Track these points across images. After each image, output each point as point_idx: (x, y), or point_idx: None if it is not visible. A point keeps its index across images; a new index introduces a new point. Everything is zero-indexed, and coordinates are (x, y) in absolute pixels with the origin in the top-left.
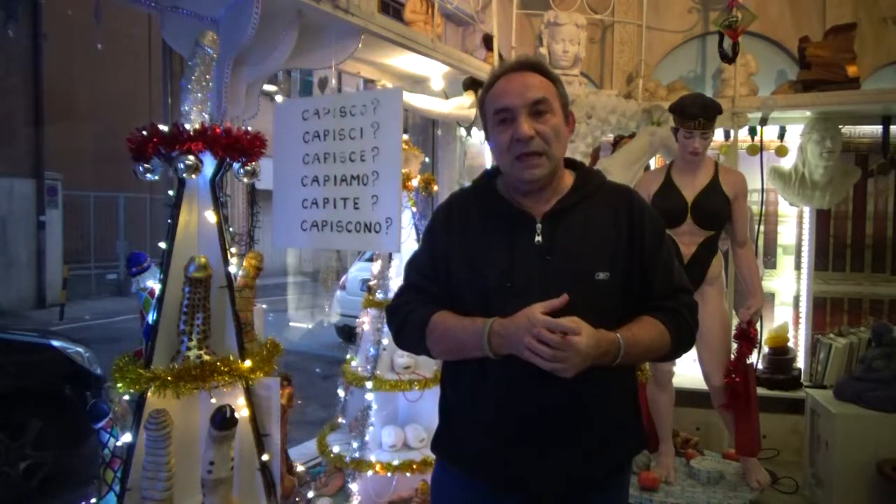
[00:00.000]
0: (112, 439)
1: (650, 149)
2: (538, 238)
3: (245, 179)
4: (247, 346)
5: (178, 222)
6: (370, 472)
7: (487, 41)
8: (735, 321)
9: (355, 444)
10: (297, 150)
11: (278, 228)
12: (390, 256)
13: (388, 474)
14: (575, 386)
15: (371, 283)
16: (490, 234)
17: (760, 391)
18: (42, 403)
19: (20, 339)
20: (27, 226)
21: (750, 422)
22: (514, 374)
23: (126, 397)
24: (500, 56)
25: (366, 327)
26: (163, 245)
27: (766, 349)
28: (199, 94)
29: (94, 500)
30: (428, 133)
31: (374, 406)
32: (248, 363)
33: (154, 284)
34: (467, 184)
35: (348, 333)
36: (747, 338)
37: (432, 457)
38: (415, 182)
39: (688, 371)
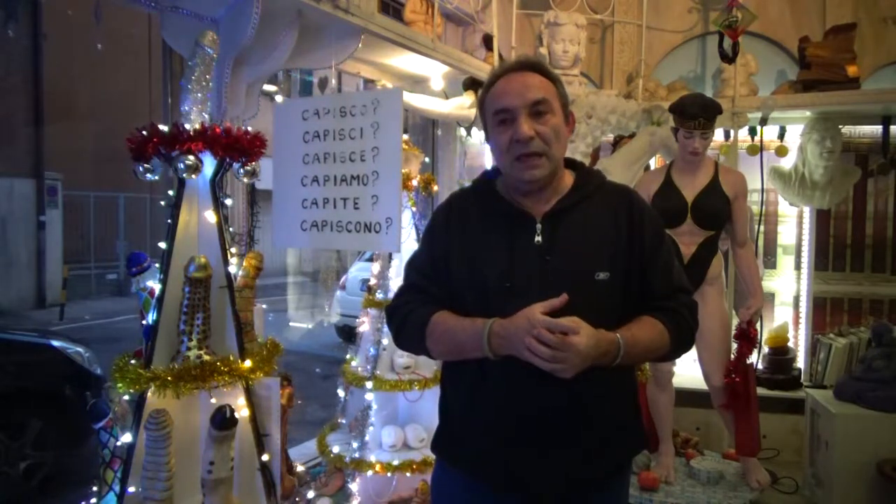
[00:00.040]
0: (112, 439)
1: (650, 149)
2: (538, 238)
3: (245, 179)
4: (247, 346)
5: (178, 222)
6: (370, 472)
7: (487, 41)
8: (735, 321)
9: (355, 444)
10: (297, 150)
11: (278, 228)
12: (390, 256)
13: (388, 474)
14: (575, 386)
15: (371, 283)
16: (490, 234)
17: (760, 391)
18: (42, 403)
19: (20, 339)
20: (27, 226)
21: (750, 422)
22: (514, 375)
23: (126, 397)
24: (500, 56)
25: (366, 327)
26: (163, 245)
27: (766, 349)
28: (199, 94)
29: (94, 501)
30: (428, 133)
31: (374, 406)
32: (248, 363)
33: (154, 284)
34: (467, 184)
35: (348, 333)
36: (747, 338)
37: (432, 457)
38: (415, 182)
39: (688, 371)
